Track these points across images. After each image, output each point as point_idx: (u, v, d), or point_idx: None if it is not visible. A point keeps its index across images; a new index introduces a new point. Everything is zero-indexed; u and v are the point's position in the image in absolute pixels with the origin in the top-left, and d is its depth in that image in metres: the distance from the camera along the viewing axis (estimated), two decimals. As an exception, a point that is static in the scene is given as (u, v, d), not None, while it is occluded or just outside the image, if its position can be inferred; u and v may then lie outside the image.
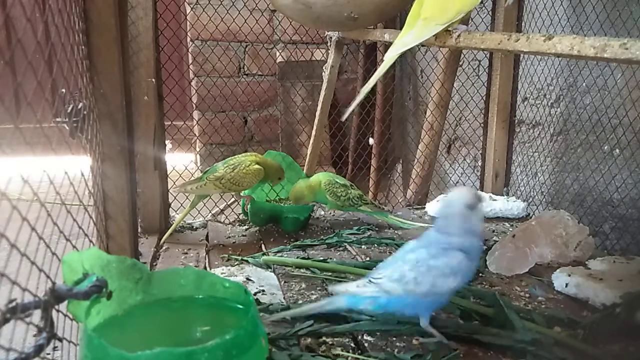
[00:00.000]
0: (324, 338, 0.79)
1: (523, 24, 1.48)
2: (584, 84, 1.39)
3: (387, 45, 1.01)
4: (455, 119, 1.94)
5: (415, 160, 1.68)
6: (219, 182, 1.21)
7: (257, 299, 0.92)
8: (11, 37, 2.34)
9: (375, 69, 2.12)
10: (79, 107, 0.83)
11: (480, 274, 1.05)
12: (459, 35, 0.90)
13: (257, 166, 1.23)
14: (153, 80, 1.25)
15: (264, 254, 1.15)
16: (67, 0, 0.77)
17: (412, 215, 1.47)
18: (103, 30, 0.91)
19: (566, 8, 1.41)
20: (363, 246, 1.21)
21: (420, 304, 0.75)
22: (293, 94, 2.36)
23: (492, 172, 1.57)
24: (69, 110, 0.81)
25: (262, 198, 1.43)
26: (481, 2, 1.63)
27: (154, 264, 1.14)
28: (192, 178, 1.29)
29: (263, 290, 0.97)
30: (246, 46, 2.47)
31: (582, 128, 1.40)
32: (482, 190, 1.59)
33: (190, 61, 2.39)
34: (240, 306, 0.71)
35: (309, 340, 0.78)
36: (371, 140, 2.26)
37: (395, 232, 1.33)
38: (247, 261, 1.12)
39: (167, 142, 1.42)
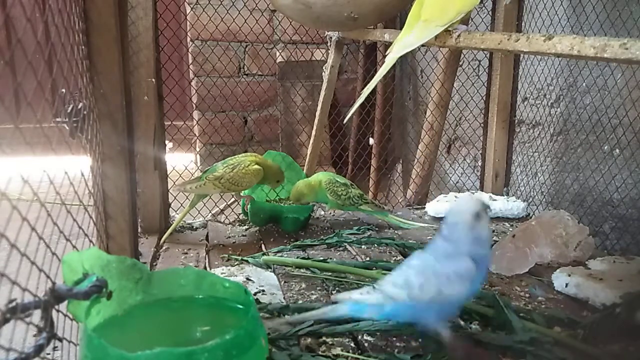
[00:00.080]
0: (324, 338, 0.79)
1: (523, 24, 1.48)
2: (584, 84, 1.39)
3: (387, 45, 1.02)
4: (455, 119, 1.94)
5: (415, 160, 1.68)
6: (218, 182, 1.21)
7: (257, 299, 0.92)
8: (11, 37, 2.34)
9: (375, 69, 2.13)
10: (79, 107, 0.83)
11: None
12: (459, 35, 0.90)
13: (256, 166, 1.23)
14: (153, 80, 1.25)
15: (264, 254, 1.15)
16: (67, 0, 0.77)
17: (412, 215, 1.47)
18: (103, 30, 0.91)
19: (566, 8, 1.41)
20: (363, 246, 1.21)
21: (427, 312, 0.72)
22: (293, 94, 2.36)
23: (492, 172, 1.57)
24: (69, 110, 0.81)
25: (262, 198, 1.43)
26: (481, 2, 1.63)
27: (154, 264, 1.14)
28: (192, 178, 1.29)
29: (263, 290, 0.97)
30: (246, 46, 2.47)
31: (582, 128, 1.40)
32: (482, 190, 1.59)
33: (190, 61, 2.40)
34: (240, 306, 0.71)
35: (309, 340, 0.78)
36: (371, 140, 2.26)
37: (395, 232, 1.33)
38: (247, 261, 1.12)
39: (167, 142, 1.42)
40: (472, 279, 0.70)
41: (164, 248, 1.22)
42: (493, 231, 1.34)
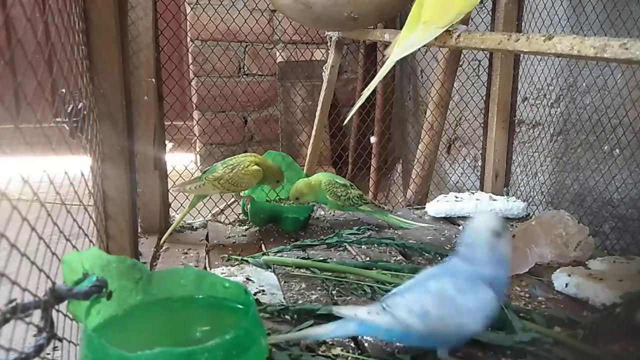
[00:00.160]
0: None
1: (523, 24, 1.48)
2: (584, 84, 1.39)
3: (387, 46, 1.02)
4: (455, 119, 1.94)
5: (415, 160, 1.68)
6: (217, 183, 1.21)
7: (257, 299, 0.91)
8: (11, 37, 2.34)
9: (376, 69, 2.13)
10: (79, 107, 0.83)
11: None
12: (459, 35, 0.90)
13: (255, 167, 1.23)
14: (153, 80, 1.25)
15: (264, 254, 1.15)
16: (67, 0, 0.77)
17: (412, 215, 1.47)
18: (103, 30, 0.91)
19: (566, 8, 1.41)
20: (363, 246, 1.21)
21: (442, 341, 0.69)
22: (293, 94, 2.36)
23: (492, 172, 1.57)
24: (69, 110, 0.81)
25: (262, 198, 1.43)
26: (481, 2, 1.63)
27: (154, 264, 1.14)
28: (192, 178, 1.29)
29: (263, 290, 0.97)
30: (246, 46, 2.47)
31: (582, 128, 1.40)
32: (482, 190, 1.59)
33: (190, 61, 2.40)
34: (240, 306, 0.71)
35: (309, 340, 0.77)
36: (372, 139, 2.26)
37: (395, 232, 1.33)
38: (247, 261, 1.12)
39: (167, 142, 1.42)
40: (492, 311, 0.67)
41: (164, 248, 1.22)
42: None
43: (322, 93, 1.59)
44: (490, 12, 1.55)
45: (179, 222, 1.28)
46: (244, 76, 2.51)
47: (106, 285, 0.64)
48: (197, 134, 2.40)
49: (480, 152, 1.66)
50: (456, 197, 1.48)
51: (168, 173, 1.40)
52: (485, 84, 1.58)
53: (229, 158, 1.26)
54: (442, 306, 0.66)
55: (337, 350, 0.76)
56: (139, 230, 1.24)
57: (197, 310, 0.74)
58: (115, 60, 0.93)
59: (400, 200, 1.91)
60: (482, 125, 1.63)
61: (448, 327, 0.66)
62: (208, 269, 1.10)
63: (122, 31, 0.99)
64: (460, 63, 1.69)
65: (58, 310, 0.62)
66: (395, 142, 2.47)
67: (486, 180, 1.59)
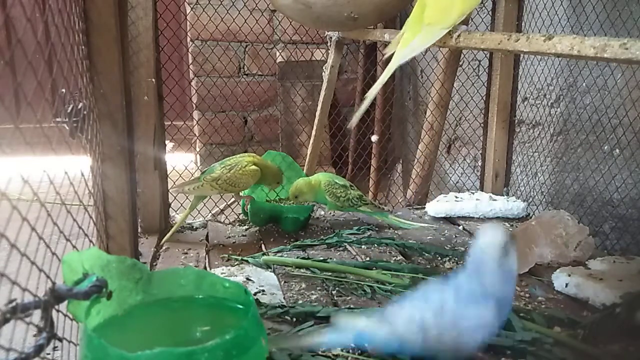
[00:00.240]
0: (324, 338, 0.78)
1: (523, 24, 1.48)
2: (584, 84, 1.39)
3: (387, 46, 1.01)
4: (455, 119, 1.94)
5: (415, 160, 1.68)
6: (215, 183, 1.21)
7: (257, 299, 0.91)
8: (11, 37, 2.34)
9: (376, 69, 2.13)
10: (79, 107, 0.83)
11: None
12: (459, 35, 0.90)
13: (253, 167, 1.23)
14: (153, 80, 1.24)
15: (264, 254, 1.15)
16: (67, 0, 0.77)
17: (412, 215, 1.47)
18: (103, 30, 0.91)
19: (566, 8, 1.41)
20: (363, 246, 1.21)
21: (439, 357, 0.68)
22: (293, 94, 2.36)
23: (492, 172, 1.57)
24: (69, 110, 0.81)
25: (262, 198, 1.43)
26: (481, 2, 1.63)
27: (154, 264, 1.14)
28: (191, 178, 1.29)
29: (263, 290, 0.97)
30: (246, 46, 2.47)
31: (582, 128, 1.40)
32: (482, 190, 1.59)
33: (190, 61, 2.40)
34: (240, 306, 0.71)
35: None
36: (374, 138, 2.25)
37: (395, 232, 1.33)
38: (247, 261, 1.12)
39: (167, 142, 1.42)
40: (493, 327, 0.66)
41: (164, 248, 1.22)
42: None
43: (322, 93, 1.59)
44: (490, 12, 1.55)
45: (180, 223, 1.28)
46: (244, 76, 2.51)
47: (106, 285, 0.64)
48: (197, 134, 2.40)
49: (480, 152, 1.66)
50: (456, 197, 1.48)
51: (168, 173, 1.40)
52: (485, 84, 1.58)
53: (227, 158, 1.26)
54: (441, 323, 0.66)
55: (337, 350, 0.76)
56: (139, 230, 1.24)
57: (197, 310, 0.74)
58: (115, 60, 0.93)
59: (400, 200, 1.91)
60: (482, 125, 1.63)
61: (446, 343, 0.66)
62: (208, 269, 1.10)
63: (122, 31, 0.99)
64: (460, 63, 1.69)
65: (58, 310, 0.62)
66: (395, 142, 2.47)
67: (486, 180, 1.59)
